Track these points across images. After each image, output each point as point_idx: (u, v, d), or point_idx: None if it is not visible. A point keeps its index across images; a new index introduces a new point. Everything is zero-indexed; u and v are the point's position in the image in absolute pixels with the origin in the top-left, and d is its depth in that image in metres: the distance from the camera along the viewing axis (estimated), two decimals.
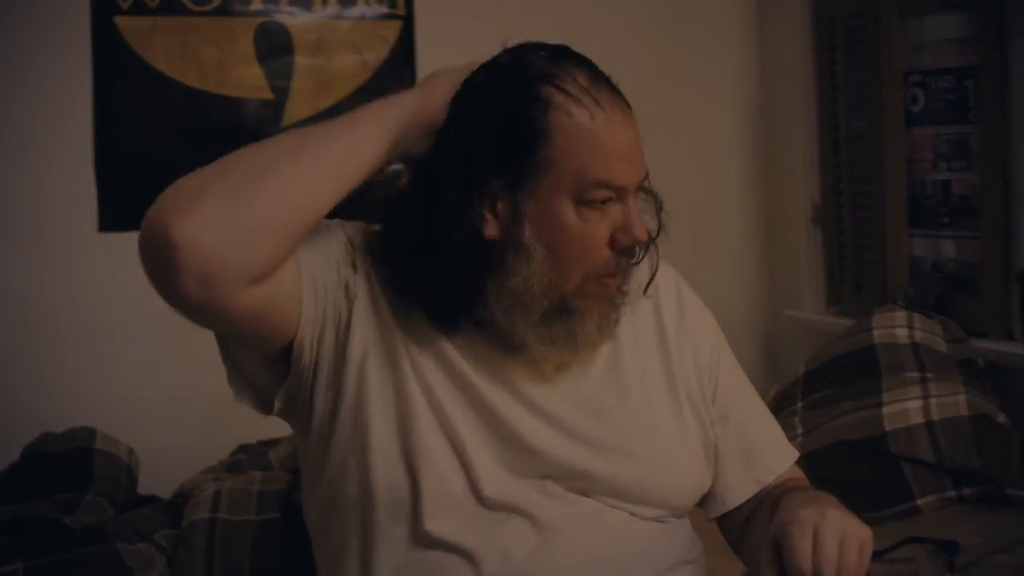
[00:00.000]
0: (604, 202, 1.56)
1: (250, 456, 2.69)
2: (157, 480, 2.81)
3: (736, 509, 1.79)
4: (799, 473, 1.86)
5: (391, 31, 3.47)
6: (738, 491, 1.79)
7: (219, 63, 3.33)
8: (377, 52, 3.45)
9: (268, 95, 3.37)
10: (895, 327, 2.96)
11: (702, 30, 3.79)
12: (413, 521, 1.57)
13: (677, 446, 1.72)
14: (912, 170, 3.27)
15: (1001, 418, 2.75)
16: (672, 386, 1.74)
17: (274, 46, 3.38)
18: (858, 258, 3.51)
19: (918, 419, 2.70)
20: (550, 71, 1.56)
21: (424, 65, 3.46)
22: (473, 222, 1.55)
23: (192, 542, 2.33)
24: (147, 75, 3.29)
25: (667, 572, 1.67)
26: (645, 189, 1.65)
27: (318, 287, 1.58)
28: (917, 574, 2.10)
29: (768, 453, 1.83)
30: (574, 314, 1.60)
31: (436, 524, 1.57)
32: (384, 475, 1.56)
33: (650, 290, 1.74)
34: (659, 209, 1.69)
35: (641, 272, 1.71)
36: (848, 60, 3.49)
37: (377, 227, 1.67)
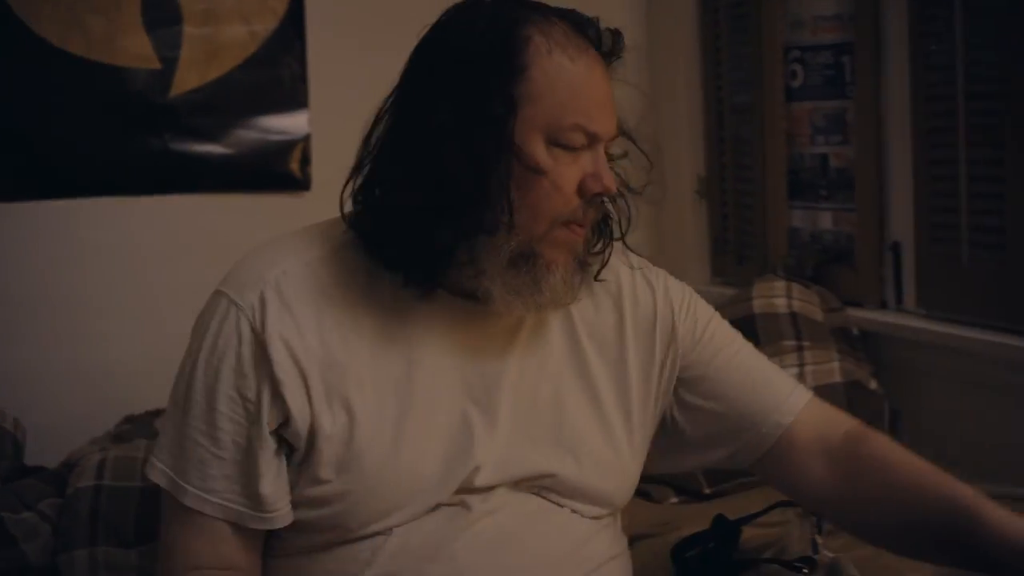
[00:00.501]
0: (576, 148, 1.54)
1: (136, 426, 2.70)
2: (44, 451, 2.80)
3: (784, 443, 1.77)
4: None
5: (281, 2, 3.46)
6: (786, 407, 1.77)
7: (106, 32, 3.31)
8: (266, 23, 3.45)
9: (156, 65, 3.35)
10: (774, 297, 3.03)
11: (590, 6, 3.83)
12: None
13: (625, 447, 1.73)
14: (792, 144, 3.35)
15: (873, 384, 2.85)
16: (624, 386, 1.73)
17: (162, 15, 3.36)
18: (741, 230, 3.58)
19: None
20: (531, 14, 1.56)
21: (314, 36, 3.46)
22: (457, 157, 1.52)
23: (76, 509, 2.33)
24: (33, 44, 3.25)
25: (598, 568, 1.69)
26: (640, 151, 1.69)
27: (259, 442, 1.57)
28: (787, 537, 2.18)
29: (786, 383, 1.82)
30: (539, 263, 1.56)
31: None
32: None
33: (613, 287, 1.74)
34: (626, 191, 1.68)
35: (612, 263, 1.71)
36: (731, 35, 3.55)
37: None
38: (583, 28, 1.59)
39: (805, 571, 2.06)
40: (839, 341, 2.93)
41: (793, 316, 2.96)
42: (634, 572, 1.84)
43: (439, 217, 1.53)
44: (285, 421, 1.56)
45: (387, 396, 1.58)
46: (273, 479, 1.58)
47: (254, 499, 1.57)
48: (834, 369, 2.81)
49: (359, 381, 1.57)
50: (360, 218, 1.61)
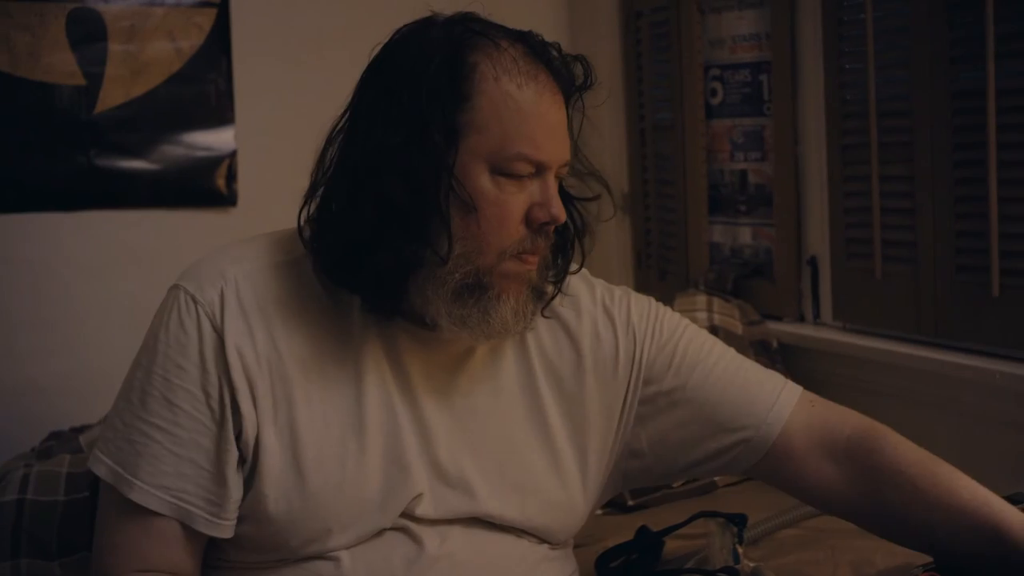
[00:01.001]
0: (522, 177, 1.53)
1: (60, 442, 2.70)
2: None
3: (782, 447, 1.73)
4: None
5: (206, 19, 3.47)
6: (773, 413, 1.73)
7: (31, 48, 3.30)
8: (192, 39, 3.46)
9: (81, 81, 3.34)
10: (695, 311, 3.07)
11: (512, 22, 3.87)
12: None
13: (577, 485, 1.72)
14: (712, 160, 3.41)
15: None
16: (580, 424, 1.71)
17: (87, 32, 3.36)
18: (663, 245, 3.64)
19: None
20: (480, 39, 1.54)
21: (239, 53, 3.47)
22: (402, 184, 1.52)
23: (0, 522, 2.34)
24: None
25: None
26: (590, 173, 1.69)
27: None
28: (709, 547, 2.22)
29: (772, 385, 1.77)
30: (489, 293, 1.55)
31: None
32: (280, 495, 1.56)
33: (573, 323, 1.72)
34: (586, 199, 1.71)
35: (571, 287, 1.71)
36: (653, 54, 3.61)
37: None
38: (538, 53, 1.57)
39: None
40: (758, 353, 2.98)
41: (714, 329, 3.01)
42: None
43: (382, 245, 1.53)
44: (239, 428, 1.55)
45: (332, 415, 1.57)
46: (236, 484, 1.56)
47: (211, 502, 1.55)
48: None
49: (307, 397, 1.57)
50: (313, 237, 1.60)
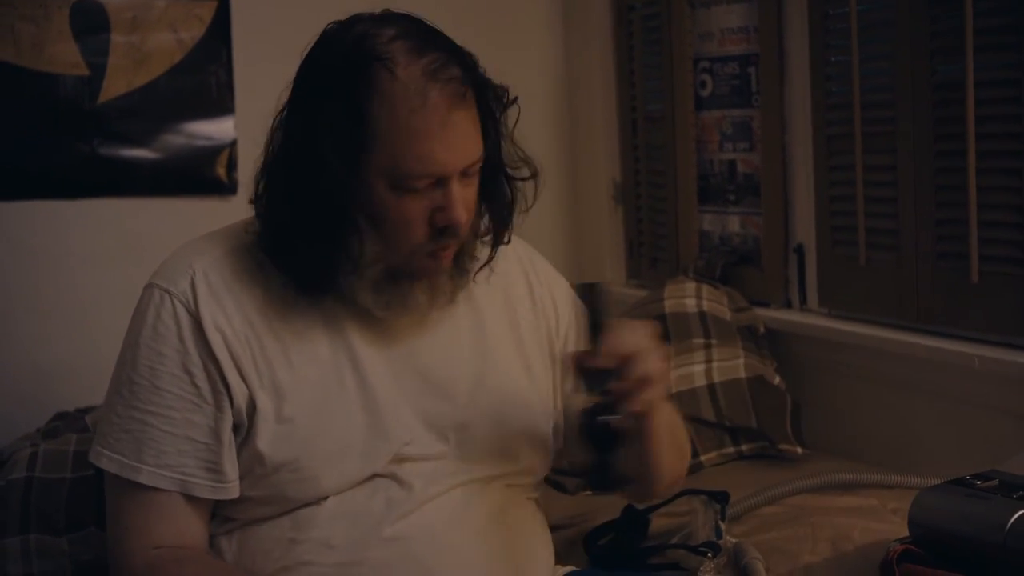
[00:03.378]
0: (420, 188, 1.62)
1: (66, 422, 2.76)
2: None
3: None
4: None
5: (207, 11, 3.52)
6: None
7: (35, 39, 3.34)
8: (193, 31, 3.50)
9: (84, 71, 3.39)
10: (685, 297, 3.13)
11: (510, 16, 3.91)
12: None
13: (535, 416, 1.83)
14: (701, 150, 3.46)
15: (776, 380, 2.96)
16: (525, 363, 1.84)
17: (90, 23, 3.40)
18: (654, 233, 3.69)
19: (701, 381, 2.89)
20: (386, 51, 1.61)
21: (239, 45, 3.52)
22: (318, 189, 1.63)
23: (9, 499, 2.40)
24: None
25: (523, 537, 1.81)
26: (521, 159, 1.77)
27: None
28: (693, 523, 2.29)
29: None
30: (404, 282, 1.68)
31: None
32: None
33: (498, 270, 1.82)
34: (519, 179, 1.79)
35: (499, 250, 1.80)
36: (644, 47, 3.65)
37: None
38: (448, 64, 1.64)
39: (709, 555, 2.17)
40: (745, 339, 3.04)
41: (702, 315, 3.07)
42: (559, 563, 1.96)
43: (302, 243, 1.66)
44: (230, 399, 1.67)
45: (310, 373, 1.70)
46: (232, 453, 1.68)
47: (214, 471, 1.68)
48: (739, 365, 2.92)
49: (286, 361, 1.69)
50: (256, 224, 1.73)
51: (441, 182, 1.63)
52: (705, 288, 3.17)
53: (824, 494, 2.48)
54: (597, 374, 1.63)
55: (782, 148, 3.14)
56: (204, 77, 3.53)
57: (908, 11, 2.68)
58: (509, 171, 1.78)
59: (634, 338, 1.61)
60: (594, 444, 1.63)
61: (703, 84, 3.41)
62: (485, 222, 1.78)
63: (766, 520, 2.40)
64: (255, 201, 1.72)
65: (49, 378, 2.95)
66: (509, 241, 1.81)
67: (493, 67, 4.00)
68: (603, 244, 3.91)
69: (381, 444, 1.71)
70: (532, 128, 4.07)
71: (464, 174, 1.65)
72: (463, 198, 1.66)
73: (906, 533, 2.04)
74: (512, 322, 1.85)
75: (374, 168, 1.62)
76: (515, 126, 1.79)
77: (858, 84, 2.84)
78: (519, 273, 1.89)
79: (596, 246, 3.95)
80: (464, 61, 1.67)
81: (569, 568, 1.95)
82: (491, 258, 1.79)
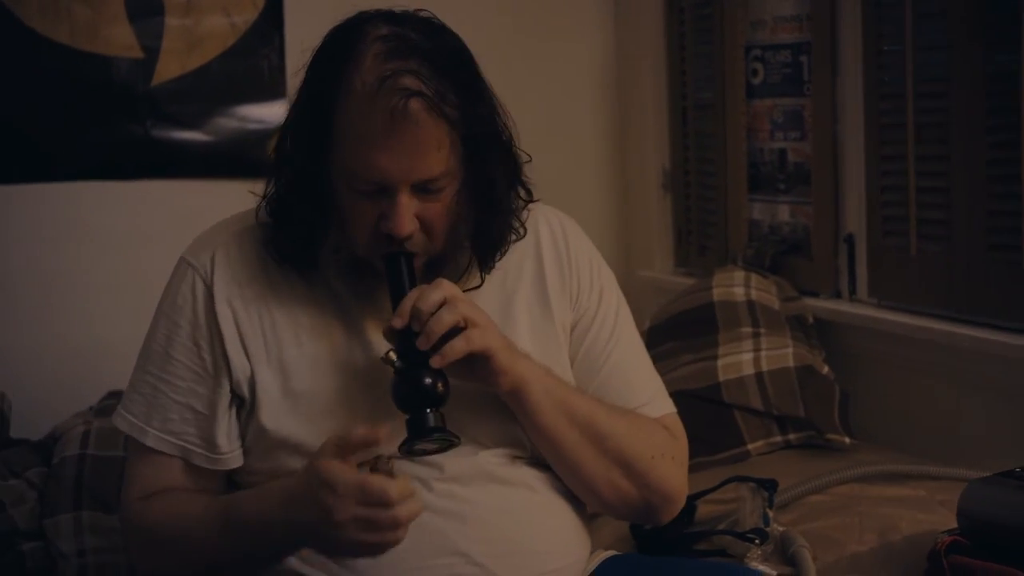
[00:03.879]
0: (368, 192, 1.65)
1: (119, 400, 2.79)
2: (29, 425, 2.90)
3: None
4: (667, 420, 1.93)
5: None
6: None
7: (91, 22, 3.38)
8: (246, 15, 3.53)
9: (139, 54, 3.43)
10: (733, 286, 3.13)
11: (562, 4, 3.93)
12: None
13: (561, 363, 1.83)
14: (752, 139, 3.45)
15: (825, 370, 2.96)
16: (555, 342, 1.84)
17: (145, 6, 3.43)
18: (703, 221, 3.69)
19: (749, 370, 2.89)
20: (360, 52, 1.63)
21: (292, 29, 3.54)
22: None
23: (62, 476, 2.44)
24: (19, 31, 3.33)
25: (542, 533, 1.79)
26: (505, 149, 1.73)
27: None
28: (740, 510, 2.29)
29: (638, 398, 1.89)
30: (369, 277, 1.73)
31: None
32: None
33: (532, 243, 1.83)
34: (513, 172, 1.77)
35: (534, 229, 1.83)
36: (695, 35, 3.65)
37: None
38: (409, 75, 1.61)
39: (756, 541, 2.18)
40: (793, 328, 3.04)
41: (751, 304, 3.07)
42: (596, 546, 1.95)
43: (288, 219, 1.72)
44: (228, 373, 1.73)
45: (320, 353, 1.74)
46: (226, 426, 1.75)
47: (209, 443, 1.75)
48: (788, 355, 2.92)
49: (296, 339, 1.74)
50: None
51: (387, 190, 1.65)
52: (754, 277, 3.16)
53: (872, 484, 2.48)
54: (401, 337, 1.64)
55: (833, 137, 3.13)
56: (256, 61, 3.56)
57: (963, 0, 2.67)
58: (497, 197, 1.76)
59: (424, 294, 1.63)
60: (400, 404, 1.63)
61: (754, 72, 3.40)
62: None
63: (813, 509, 2.40)
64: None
65: (102, 357, 2.98)
66: (490, 269, 1.80)
67: (543, 55, 4.04)
68: (651, 232, 3.91)
69: (388, 425, 1.70)
70: (582, 116, 4.15)
71: (423, 189, 1.66)
72: (422, 209, 1.67)
73: (954, 524, 2.04)
74: (543, 299, 1.85)
75: (336, 165, 1.67)
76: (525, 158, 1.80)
77: (911, 73, 2.82)
78: (551, 247, 1.88)
79: (644, 234, 3.95)
80: (438, 74, 1.63)
81: (611, 552, 1.95)
82: (482, 279, 1.79)
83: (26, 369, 3.28)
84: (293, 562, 1.72)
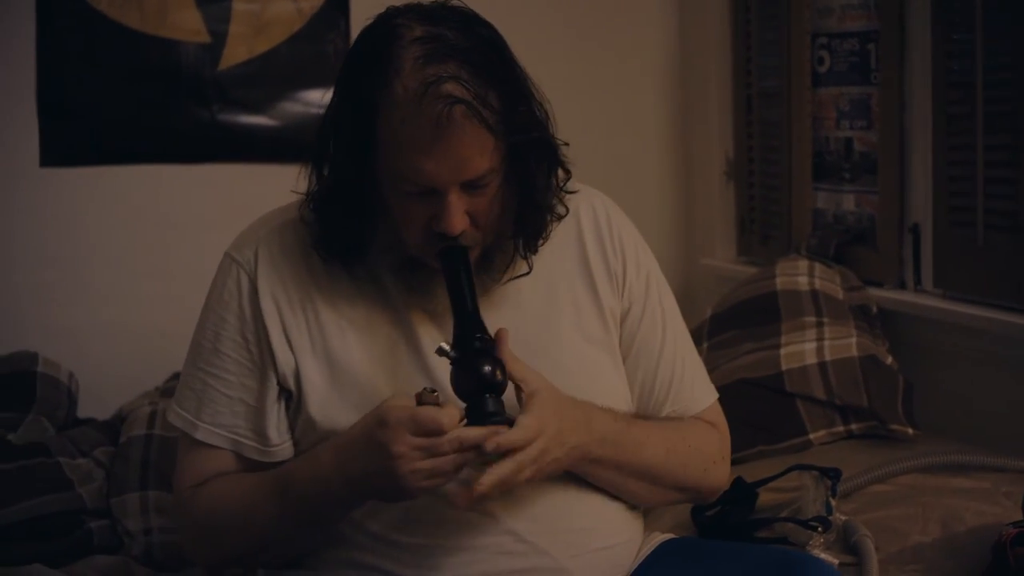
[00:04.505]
0: (417, 193, 1.65)
1: None
2: (96, 404, 2.94)
3: None
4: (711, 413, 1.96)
5: None
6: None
7: (159, 6, 3.41)
8: (312, 0, 3.55)
9: (206, 39, 3.46)
10: (797, 275, 3.12)
11: None
12: None
13: (608, 375, 1.86)
14: (817, 127, 3.43)
15: (888, 360, 2.94)
16: (603, 322, 1.85)
17: None
18: (766, 210, 3.68)
19: (812, 359, 2.88)
20: (398, 55, 1.62)
21: (357, 15, 3.55)
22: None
23: (129, 456, 2.47)
24: (89, 16, 3.36)
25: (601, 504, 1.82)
26: (542, 137, 1.73)
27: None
28: (803, 498, 2.29)
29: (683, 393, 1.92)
30: (424, 271, 1.74)
31: None
32: None
33: (572, 223, 1.85)
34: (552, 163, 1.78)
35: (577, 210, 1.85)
36: (761, 22, 3.64)
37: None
38: (450, 81, 1.61)
39: (819, 529, 2.17)
40: (857, 318, 3.02)
41: (814, 294, 3.05)
42: (655, 531, 1.97)
43: (334, 217, 1.72)
44: (275, 367, 1.75)
45: (365, 343, 1.76)
46: (276, 419, 1.77)
47: (260, 435, 1.78)
48: (851, 344, 2.90)
49: (339, 330, 1.76)
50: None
51: (436, 192, 1.66)
52: (818, 266, 3.15)
53: (936, 475, 2.47)
54: (457, 327, 1.67)
55: (900, 126, 3.10)
56: (322, 46, 3.57)
57: None
58: (539, 188, 1.77)
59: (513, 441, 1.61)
60: (460, 391, 1.64)
61: (820, 60, 3.38)
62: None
63: (876, 499, 2.39)
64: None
65: (169, 338, 2.98)
66: (535, 250, 1.81)
67: (607, 43, 4.03)
68: (714, 220, 3.90)
69: None
70: (646, 104, 4.14)
71: (471, 186, 1.67)
72: (471, 204, 1.68)
73: (1019, 516, 2.03)
74: (588, 282, 1.87)
75: (381, 169, 1.67)
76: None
77: (981, 62, 2.80)
78: (592, 229, 1.89)
79: (707, 222, 3.94)
80: (479, 77, 1.63)
81: (668, 535, 1.96)
82: (530, 266, 1.80)
83: (94, 349, 3.33)
84: (351, 549, 1.75)
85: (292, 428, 1.79)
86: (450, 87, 1.60)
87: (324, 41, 3.58)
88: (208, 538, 1.81)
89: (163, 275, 3.43)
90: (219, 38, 3.48)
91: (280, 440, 1.78)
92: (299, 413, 1.77)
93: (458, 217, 1.66)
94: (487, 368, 1.63)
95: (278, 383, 1.77)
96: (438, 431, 1.57)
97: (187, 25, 3.45)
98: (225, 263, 1.82)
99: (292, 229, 1.80)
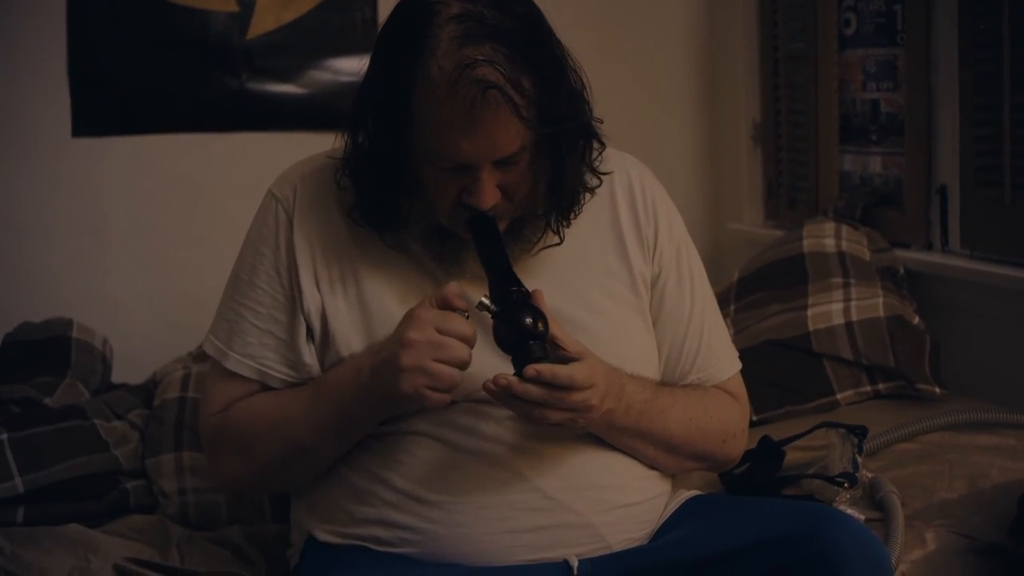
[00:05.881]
0: (451, 168, 1.68)
1: None
2: (130, 371, 2.97)
3: None
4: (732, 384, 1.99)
5: None
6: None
7: None
8: None
9: (234, 8, 3.47)
10: (824, 237, 3.13)
11: None
12: None
13: (640, 340, 1.89)
14: (844, 90, 3.43)
15: (915, 320, 2.95)
16: (634, 288, 1.88)
17: None
18: (793, 174, 3.67)
19: (839, 320, 2.89)
20: (434, 34, 1.64)
21: None
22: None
23: (163, 418, 2.50)
24: None
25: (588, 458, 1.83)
26: (577, 112, 1.74)
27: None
28: (829, 456, 2.30)
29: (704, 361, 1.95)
30: (455, 240, 1.77)
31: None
32: None
33: (606, 190, 1.87)
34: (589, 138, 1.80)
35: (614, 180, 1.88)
36: None
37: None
38: (486, 64, 1.63)
39: (846, 485, 2.19)
40: (884, 279, 3.02)
41: (841, 256, 3.06)
42: (684, 489, 2.00)
43: (368, 185, 1.76)
44: (300, 305, 1.80)
45: (396, 287, 1.80)
46: (303, 350, 1.81)
47: (290, 367, 1.82)
48: (878, 304, 2.91)
49: (370, 273, 1.80)
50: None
51: (469, 168, 1.69)
52: (845, 228, 3.15)
53: (961, 433, 2.48)
54: (495, 283, 1.70)
55: (927, 87, 3.10)
56: (350, 14, 3.58)
57: None
58: (571, 162, 1.79)
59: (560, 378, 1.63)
60: (503, 343, 1.67)
61: (847, 22, 3.38)
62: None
63: (902, 456, 2.41)
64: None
65: (199, 305, 3.01)
66: (568, 224, 1.83)
67: (632, 8, 4.01)
68: (741, 184, 3.91)
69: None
70: (672, 68, 4.13)
71: (503, 163, 1.69)
72: (502, 179, 1.71)
73: None
74: (619, 246, 1.89)
75: (417, 142, 1.69)
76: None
77: (1008, 21, 2.78)
78: (626, 194, 1.93)
79: (734, 186, 3.95)
80: (513, 60, 1.65)
81: (695, 492, 1.98)
82: (561, 237, 1.83)
83: (127, 317, 3.36)
84: (378, 506, 1.78)
85: (321, 365, 1.82)
86: (485, 71, 1.62)
87: (351, 10, 3.59)
88: (240, 451, 1.85)
89: (194, 243, 3.46)
90: (247, 7, 3.49)
91: (308, 374, 1.82)
92: (326, 352, 1.80)
93: (489, 191, 1.70)
94: (528, 319, 1.65)
95: (304, 320, 1.81)
96: (463, 336, 1.64)
97: None
98: (266, 199, 1.88)
99: (332, 174, 1.82)
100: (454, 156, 1.67)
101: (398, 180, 1.74)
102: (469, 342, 1.65)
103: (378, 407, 1.74)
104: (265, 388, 1.84)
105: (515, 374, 1.63)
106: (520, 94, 1.64)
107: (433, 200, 1.74)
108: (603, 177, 1.85)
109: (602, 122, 1.81)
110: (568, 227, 1.83)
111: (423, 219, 1.77)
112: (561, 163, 1.76)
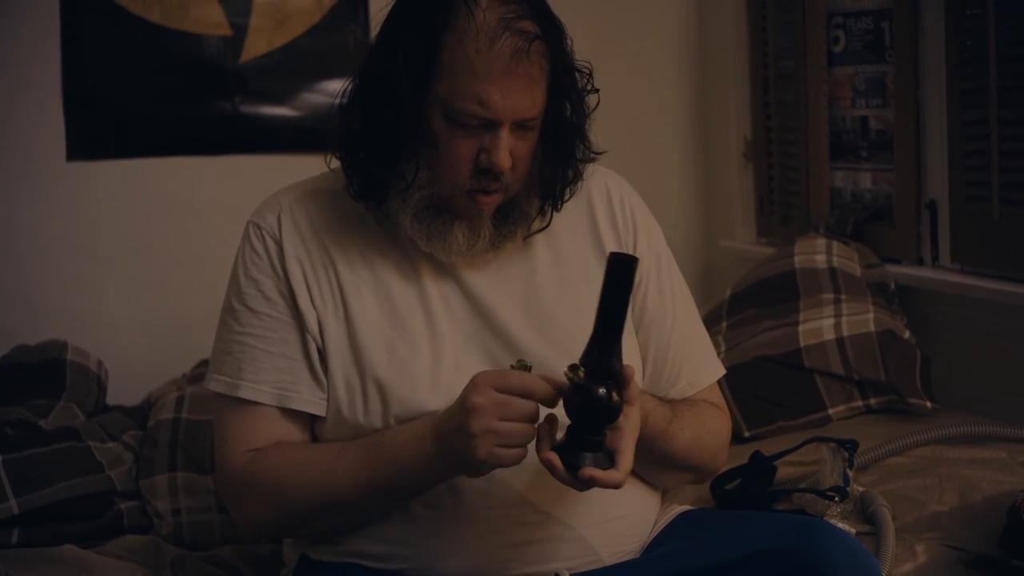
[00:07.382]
0: (471, 126, 1.70)
1: None
2: (124, 393, 2.98)
3: None
4: (714, 394, 2.00)
5: None
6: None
7: (181, 1, 3.46)
8: None
9: (227, 32, 3.49)
10: (815, 253, 3.14)
11: None
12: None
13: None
14: (833, 107, 3.45)
15: (906, 335, 2.95)
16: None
17: None
18: (785, 190, 3.69)
19: (830, 335, 2.89)
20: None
21: (376, 5, 3.56)
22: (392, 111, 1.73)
23: (157, 439, 2.51)
24: (111, 11, 3.40)
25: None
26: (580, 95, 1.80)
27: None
28: (820, 470, 2.31)
29: (687, 370, 1.96)
30: (445, 218, 1.78)
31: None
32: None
33: (584, 200, 1.90)
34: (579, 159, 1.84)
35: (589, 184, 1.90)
36: (777, 3, 3.65)
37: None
38: (526, 18, 1.69)
39: (836, 499, 2.20)
40: (875, 294, 3.03)
41: (832, 271, 3.07)
42: (675, 504, 2.01)
43: (368, 151, 1.77)
44: (305, 324, 1.80)
45: (382, 304, 1.81)
46: (318, 368, 1.80)
47: (306, 385, 1.80)
48: (869, 319, 2.92)
49: (357, 291, 1.81)
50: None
51: (492, 125, 1.71)
52: (836, 244, 3.17)
53: (952, 446, 2.49)
54: (591, 356, 1.62)
55: (915, 103, 3.12)
56: (342, 37, 3.61)
57: None
58: (571, 142, 1.83)
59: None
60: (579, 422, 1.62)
61: (836, 40, 3.40)
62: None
63: (893, 470, 2.42)
64: (338, 112, 1.83)
65: (194, 327, 3.04)
66: (556, 207, 1.86)
67: (623, 24, 4.02)
68: (733, 202, 3.92)
69: (445, 378, 1.77)
70: (664, 86, 4.14)
71: (520, 126, 1.73)
72: (514, 147, 1.73)
73: None
74: (599, 255, 1.90)
75: (436, 96, 1.71)
76: (595, 108, 1.85)
77: (994, 37, 2.80)
78: (604, 204, 1.95)
79: (726, 203, 3.96)
80: (548, 24, 1.73)
81: (686, 507, 1.99)
82: (548, 220, 1.86)
83: (122, 339, 3.37)
84: (371, 522, 1.79)
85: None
86: (528, 24, 1.69)
87: (344, 32, 3.61)
88: (274, 499, 1.78)
89: (188, 265, 3.48)
90: (240, 31, 3.51)
91: (325, 391, 1.81)
92: (327, 370, 1.81)
93: (506, 153, 1.72)
94: (605, 410, 1.61)
95: (312, 338, 1.81)
96: (524, 391, 1.61)
97: (208, 18, 3.49)
98: (249, 230, 1.87)
99: (312, 198, 1.87)
100: (484, 111, 1.69)
101: (412, 141, 1.74)
102: (532, 396, 1.61)
103: (447, 473, 1.71)
104: (286, 414, 1.81)
105: (569, 456, 1.60)
106: (554, 56, 1.72)
107: (445, 163, 1.74)
108: (581, 187, 1.88)
109: (597, 105, 1.86)
110: (558, 210, 1.86)
111: (426, 187, 1.76)
112: (558, 141, 1.80)
